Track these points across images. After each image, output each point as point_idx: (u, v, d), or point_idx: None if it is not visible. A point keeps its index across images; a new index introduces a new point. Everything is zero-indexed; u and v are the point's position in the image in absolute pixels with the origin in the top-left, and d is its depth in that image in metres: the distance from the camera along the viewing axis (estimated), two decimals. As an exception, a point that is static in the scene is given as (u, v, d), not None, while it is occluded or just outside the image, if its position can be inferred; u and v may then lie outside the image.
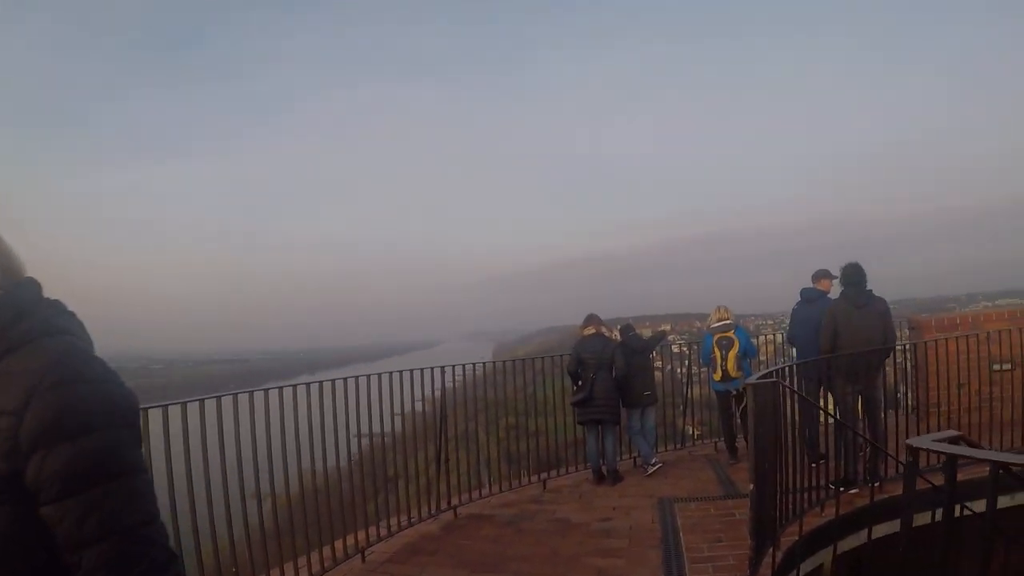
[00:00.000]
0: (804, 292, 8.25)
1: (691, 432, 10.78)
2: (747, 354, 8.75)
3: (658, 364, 11.09)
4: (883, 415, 7.11)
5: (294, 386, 5.57)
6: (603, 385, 8.28)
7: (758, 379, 5.27)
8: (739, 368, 8.48)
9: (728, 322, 8.68)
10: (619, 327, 9.16)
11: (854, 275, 7.13)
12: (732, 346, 8.48)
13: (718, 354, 8.55)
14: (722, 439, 9.14)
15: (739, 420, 8.44)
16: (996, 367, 7.97)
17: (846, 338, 6.94)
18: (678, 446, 10.10)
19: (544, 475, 8.78)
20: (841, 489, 6.11)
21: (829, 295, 7.97)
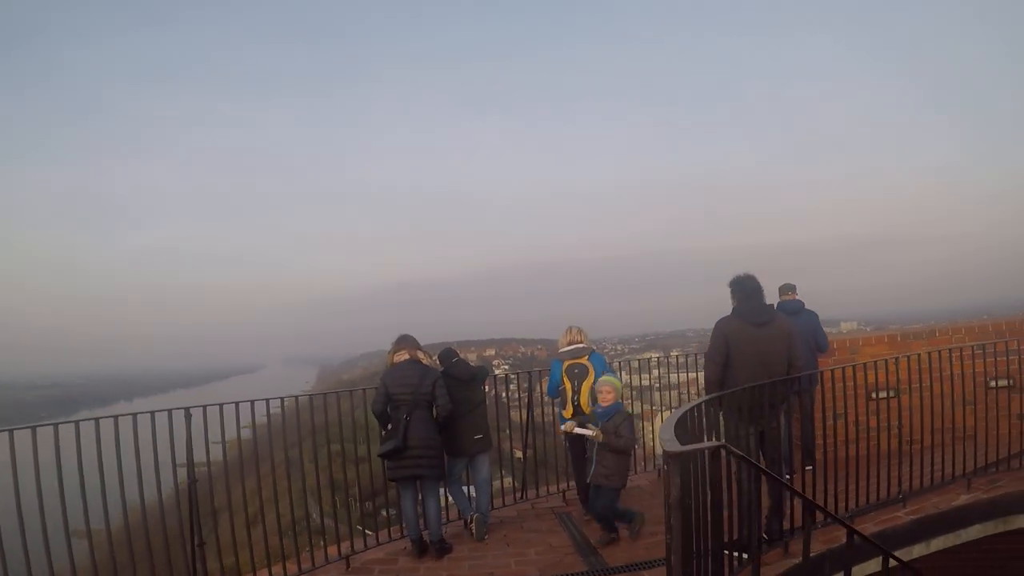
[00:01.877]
0: (782, 306, 7.62)
1: (519, 458, 8.95)
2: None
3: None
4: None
5: (99, 419, 5.21)
6: (421, 428, 6.28)
7: (685, 443, 3.78)
8: (593, 402, 6.78)
9: (581, 346, 7.04)
10: (438, 353, 7.20)
11: (749, 287, 6.00)
12: (586, 376, 6.90)
13: (568, 386, 6.95)
14: (574, 488, 7.57)
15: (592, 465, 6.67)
16: (875, 395, 6.84)
17: (741, 364, 5.78)
18: (520, 497, 8.08)
19: (347, 548, 6.44)
20: (736, 554, 4.51)
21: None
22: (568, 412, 6.95)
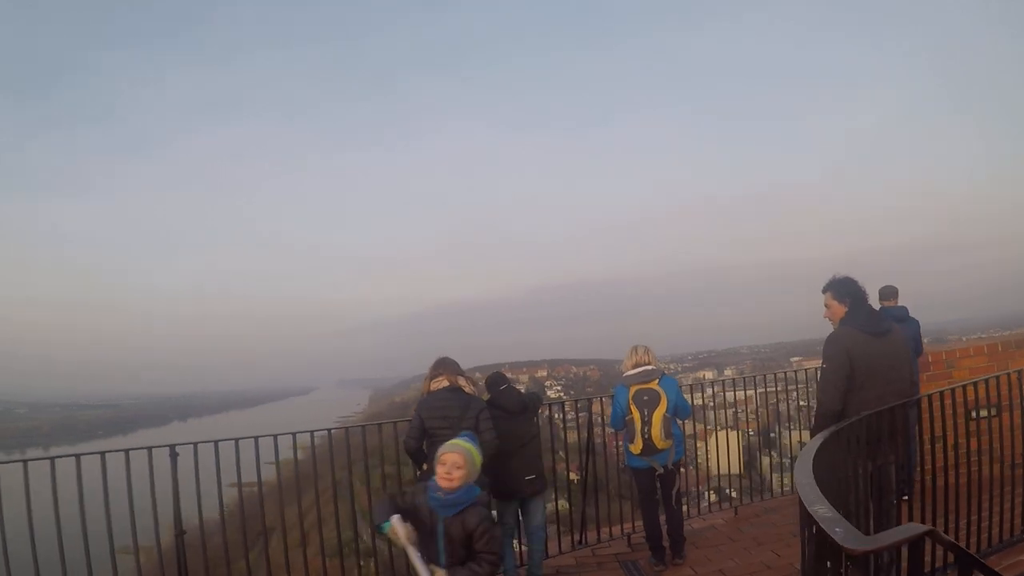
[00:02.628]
0: (889, 311, 6.61)
1: (570, 477, 7.98)
2: (678, 414, 6.11)
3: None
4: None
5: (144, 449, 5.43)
6: None
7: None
8: (668, 435, 5.88)
9: (650, 368, 6.00)
10: (486, 379, 6.12)
11: (858, 291, 5.07)
12: (658, 403, 5.88)
13: (637, 415, 5.89)
14: (642, 532, 6.49)
15: (674, 506, 6.11)
16: (975, 415, 5.66)
17: (867, 384, 4.77)
18: (578, 541, 6.93)
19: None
20: None
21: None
22: (637, 446, 5.87)
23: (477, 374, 6.34)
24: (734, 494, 7.89)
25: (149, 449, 5.40)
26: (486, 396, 5.88)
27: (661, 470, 5.99)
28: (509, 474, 5.69)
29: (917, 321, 7.24)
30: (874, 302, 6.53)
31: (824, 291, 5.13)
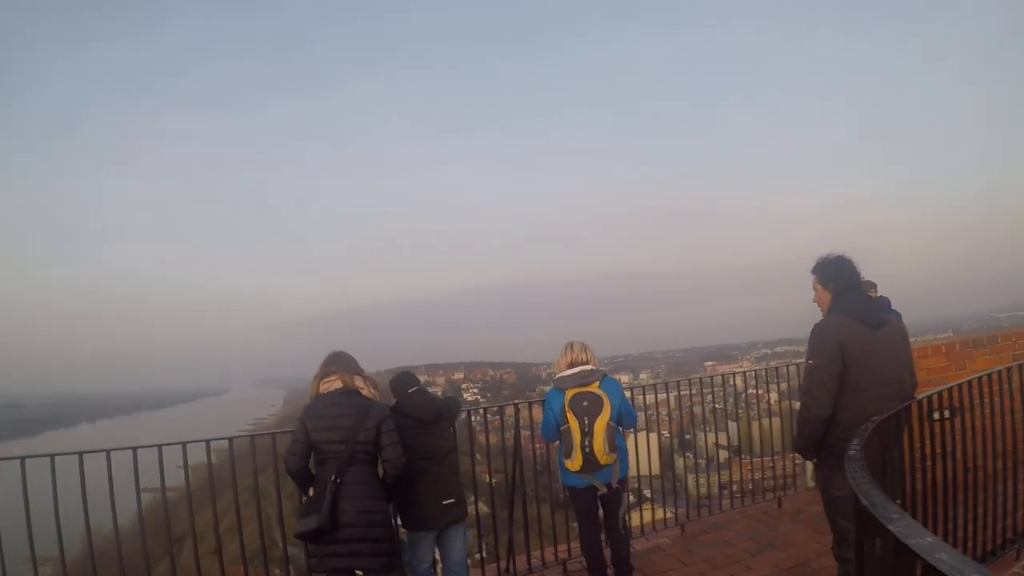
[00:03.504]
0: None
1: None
2: (623, 422, 5.16)
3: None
4: None
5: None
6: (358, 496, 4.22)
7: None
8: (612, 447, 4.86)
9: (589, 368, 5.03)
10: (392, 379, 4.96)
11: (849, 274, 4.23)
12: (600, 409, 4.86)
13: (575, 424, 4.85)
14: (580, 558, 5.64)
15: (620, 530, 5.19)
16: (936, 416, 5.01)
17: (861, 384, 3.93)
18: (505, 571, 5.80)
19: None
20: None
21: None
22: (576, 462, 4.84)
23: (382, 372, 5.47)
24: (680, 510, 7.02)
25: (52, 457, 4.60)
26: (392, 401, 4.83)
27: (604, 489, 4.97)
28: (421, 499, 4.66)
29: (899, 314, 6.59)
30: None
31: (812, 273, 4.36)
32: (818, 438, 4.02)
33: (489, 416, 7.00)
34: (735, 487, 7.79)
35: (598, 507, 5.16)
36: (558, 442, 5.07)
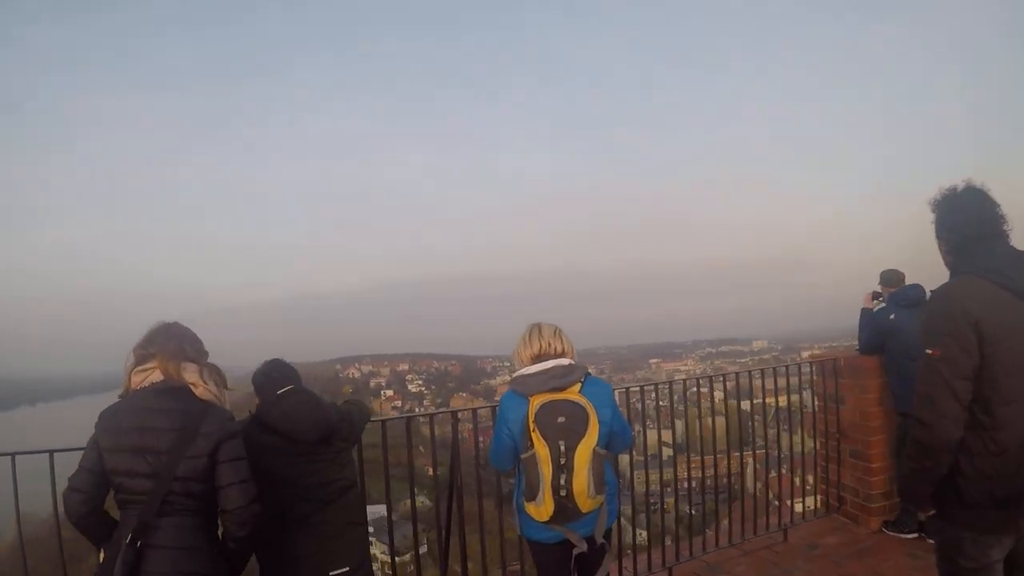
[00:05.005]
0: (901, 294, 5.23)
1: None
2: (613, 444, 3.24)
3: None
4: None
5: None
6: (169, 570, 2.52)
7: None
8: (599, 487, 3.01)
9: (565, 363, 3.13)
10: (254, 373, 3.21)
11: (979, 210, 2.59)
12: (584, 428, 2.96)
13: (543, 451, 2.93)
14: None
15: None
16: None
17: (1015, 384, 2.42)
18: None
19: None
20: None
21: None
22: (545, 508, 2.95)
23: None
24: (667, 544, 5.31)
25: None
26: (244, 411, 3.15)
27: (584, 546, 3.10)
28: (297, 568, 3.00)
29: None
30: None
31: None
32: (941, 475, 2.50)
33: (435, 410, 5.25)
34: (724, 522, 6.26)
35: (571, 570, 3.18)
36: (517, 476, 3.21)
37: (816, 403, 5.78)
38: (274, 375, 3.15)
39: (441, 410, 4.70)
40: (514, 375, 3.18)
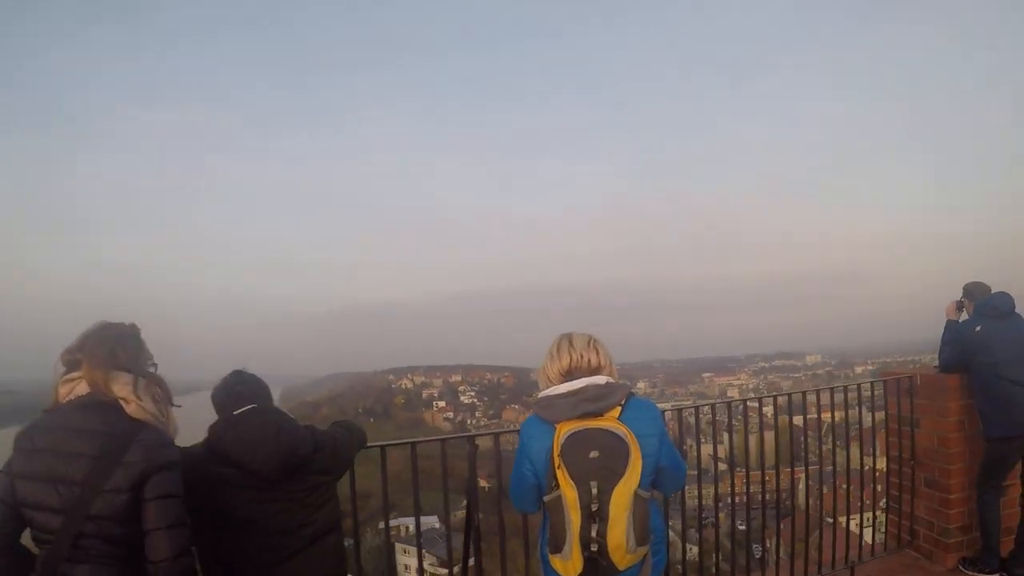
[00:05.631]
0: (989, 303, 4.63)
1: None
2: (663, 482, 2.61)
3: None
4: None
5: None
6: None
7: None
8: (642, 538, 2.39)
9: (600, 382, 2.51)
10: (214, 388, 2.64)
11: None
12: (623, 466, 2.34)
13: (570, 494, 2.33)
14: None
15: None
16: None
17: None
18: None
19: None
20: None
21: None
22: (572, 566, 2.39)
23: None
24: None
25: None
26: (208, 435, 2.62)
27: None
28: None
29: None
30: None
31: None
32: None
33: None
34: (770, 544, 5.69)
35: None
36: (541, 517, 2.65)
37: (888, 424, 5.17)
38: (238, 389, 2.60)
39: (455, 435, 4.04)
40: (539, 396, 2.60)
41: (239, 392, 2.59)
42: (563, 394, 2.50)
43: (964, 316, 4.88)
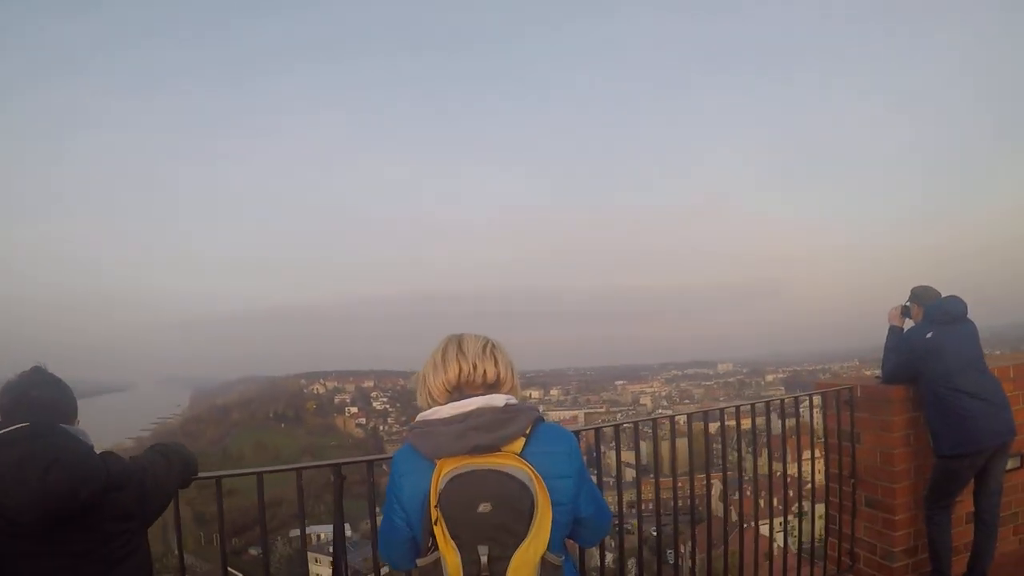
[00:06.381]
0: (940, 307, 4.22)
1: None
2: (580, 534, 1.97)
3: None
4: None
5: None
6: None
7: None
8: None
9: (499, 402, 1.82)
10: None
11: None
12: (525, 523, 1.67)
13: (452, 558, 1.66)
14: None
15: None
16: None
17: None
18: None
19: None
20: None
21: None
22: None
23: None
24: None
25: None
26: None
27: None
28: None
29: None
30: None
31: None
32: None
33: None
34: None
35: None
36: None
37: (826, 439, 4.73)
38: (32, 395, 1.96)
39: (313, 464, 3.16)
40: (417, 418, 1.90)
41: (31, 399, 1.93)
42: (446, 419, 1.81)
43: (908, 323, 4.48)
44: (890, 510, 4.39)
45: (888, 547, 4.41)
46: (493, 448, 1.74)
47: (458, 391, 1.89)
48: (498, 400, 1.83)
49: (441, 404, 1.86)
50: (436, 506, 1.69)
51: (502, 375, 1.93)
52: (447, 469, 1.72)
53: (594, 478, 2.24)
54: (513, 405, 1.85)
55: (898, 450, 4.34)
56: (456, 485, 1.68)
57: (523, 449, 1.78)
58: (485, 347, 1.94)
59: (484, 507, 1.64)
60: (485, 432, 1.75)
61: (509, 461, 1.72)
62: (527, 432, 1.81)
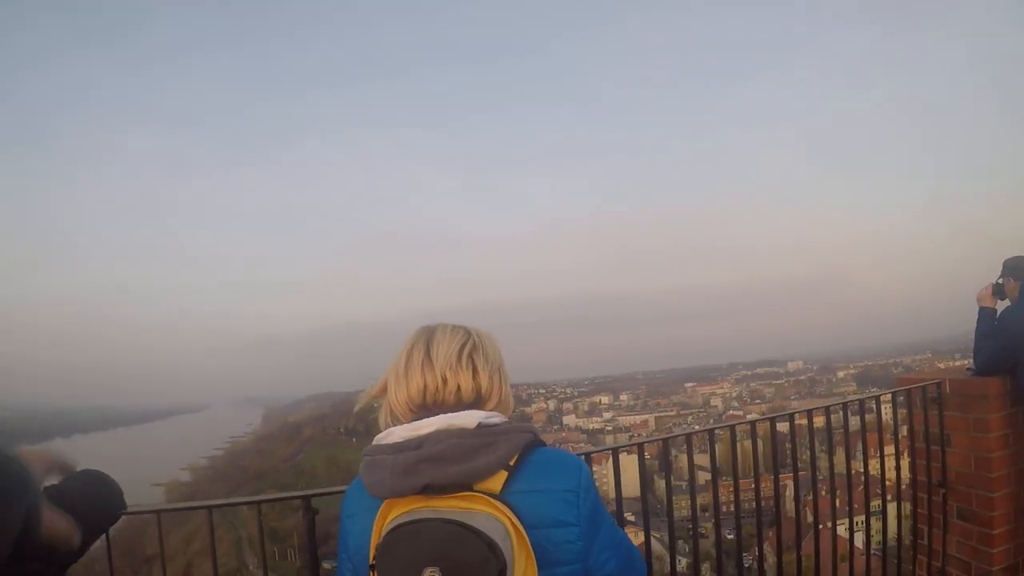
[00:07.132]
0: None
1: None
2: None
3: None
4: None
5: None
6: None
7: None
8: None
9: (471, 424, 1.32)
10: None
11: None
12: None
13: None
14: None
15: None
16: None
17: None
18: None
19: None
20: None
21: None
22: None
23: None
24: None
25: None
26: None
27: None
28: None
29: None
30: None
31: None
32: None
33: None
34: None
35: None
36: None
37: (913, 443, 4.17)
38: None
39: (281, 495, 2.78)
40: (371, 449, 1.39)
41: None
42: (396, 445, 1.33)
43: (1004, 303, 3.88)
44: (987, 523, 3.78)
45: (985, 566, 3.81)
46: (454, 487, 1.25)
47: (424, 410, 1.38)
48: (468, 420, 1.32)
49: (404, 423, 1.37)
50: (373, 563, 1.24)
51: (484, 388, 1.40)
52: (393, 514, 1.25)
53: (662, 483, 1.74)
54: (492, 426, 1.33)
55: (996, 453, 3.74)
56: (396, 539, 1.21)
57: (505, 487, 1.27)
58: (462, 350, 1.40)
59: (430, 572, 1.16)
60: (444, 464, 1.25)
61: (476, 506, 1.22)
62: (511, 463, 1.29)
